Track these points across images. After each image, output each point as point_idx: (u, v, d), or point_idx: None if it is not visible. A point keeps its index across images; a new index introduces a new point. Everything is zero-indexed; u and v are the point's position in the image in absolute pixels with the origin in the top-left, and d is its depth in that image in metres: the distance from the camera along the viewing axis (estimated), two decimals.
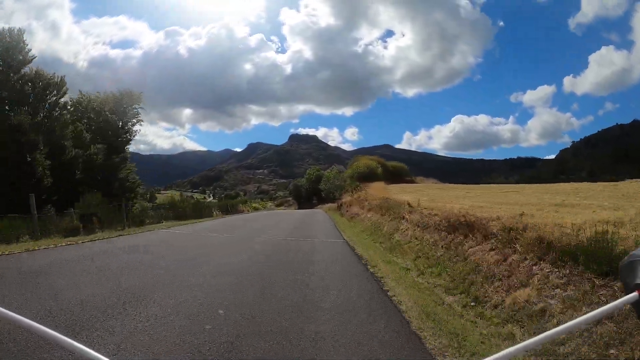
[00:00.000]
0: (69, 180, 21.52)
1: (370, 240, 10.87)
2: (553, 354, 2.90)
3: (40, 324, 0.68)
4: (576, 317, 0.71)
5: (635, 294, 0.70)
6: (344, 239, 10.18)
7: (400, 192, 20.65)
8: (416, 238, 8.65)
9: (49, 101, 22.48)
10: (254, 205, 39.06)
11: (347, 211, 23.81)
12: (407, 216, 10.56)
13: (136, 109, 32.49)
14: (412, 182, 41.54)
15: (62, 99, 23.13)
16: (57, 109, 22.54)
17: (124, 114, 31.57)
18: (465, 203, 10.97)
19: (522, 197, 13.48)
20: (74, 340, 0.66)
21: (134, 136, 32.84)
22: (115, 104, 31.26)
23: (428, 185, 34.58)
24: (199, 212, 21.19)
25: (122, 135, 31.59)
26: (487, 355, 0.63)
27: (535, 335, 0.67)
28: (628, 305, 0.71)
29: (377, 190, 23.56)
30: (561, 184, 22.07)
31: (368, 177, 32.46)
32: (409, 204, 11.93)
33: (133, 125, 32.23)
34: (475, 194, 17.84)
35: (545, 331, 0.66)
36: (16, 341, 2.83)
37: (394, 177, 39.49)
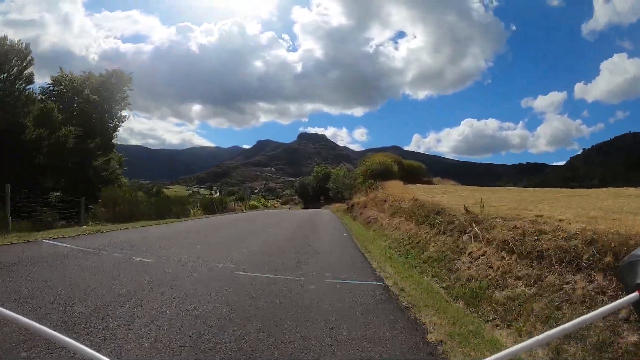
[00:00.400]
0: (29, 163, 17.68)
1: (411, 267, 6.63)
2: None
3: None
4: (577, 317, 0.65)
5: (635, 294, 0.67)
6: (378, 275, 5.44)
7: (427, 193, 16.32)
8: (518, 278, 4.37)
9: (12, 72, 18.69)
10: (252, 203, 33.43)
11: (360, 214, 19.57)
12: (476, 230, 6.27)
13: (125, 91, 28.78)
14: (430, 182, 37.19)
15: (27, 71, 19.21)
16: (18, 82, 18.67)
17: (111, 96, 27.79)
18: (546, 210, 6.71)
19: (620, 202, 9.15)
20: (75, 340, 0.63)
21: (122, 122, 29.12)
22: (101, 84, 27.53)
23: (451, 186, 30.20)
24: (166, 209, 16.49)
25: (109, 120, 27.81)
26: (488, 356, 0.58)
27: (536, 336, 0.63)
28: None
29: (396, 190, 19.29)
30: (627, 188, 17.60)
31: (383, 175, 28.03)
32: (466, 209, 7.67)
33: (121, 109, 28.44)
34: (538, 197, 13.43)
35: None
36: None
37: (410, 176, 35.05)
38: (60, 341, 0.64)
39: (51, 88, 24.80)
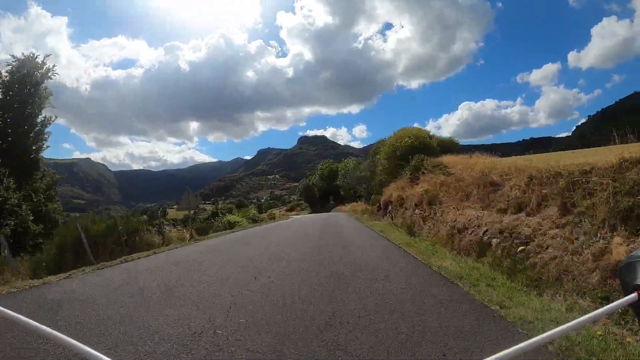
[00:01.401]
0: None
1: None
2: None
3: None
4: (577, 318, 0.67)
5: (634, 294, 0.66)
6: None
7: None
8: None
9: None
10: (229, 218, 21.46)
11: (423, 219, 10.66)
12: None
13: (45, 82, 20.21)
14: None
15: None
16: None
17: (26, 93, 19.28)
18: None
19: None
20: (74, 340, 0.61)
21: (46, 126, 20.52)
22: (12, 74, 19.11)
23: (517, 158, 21.11)
24: None
25: (22, 123, 19.26)
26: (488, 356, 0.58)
27: (536, 336, 0.63)
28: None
29: (471, 165, 10.59)
30: None
31: (420, 153, 19.15)
32: None
33: (39, 108, 19.85)
34: None
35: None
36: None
37: (443, 154, 26.18)
38: (60, 341, 0.60)
39: None
